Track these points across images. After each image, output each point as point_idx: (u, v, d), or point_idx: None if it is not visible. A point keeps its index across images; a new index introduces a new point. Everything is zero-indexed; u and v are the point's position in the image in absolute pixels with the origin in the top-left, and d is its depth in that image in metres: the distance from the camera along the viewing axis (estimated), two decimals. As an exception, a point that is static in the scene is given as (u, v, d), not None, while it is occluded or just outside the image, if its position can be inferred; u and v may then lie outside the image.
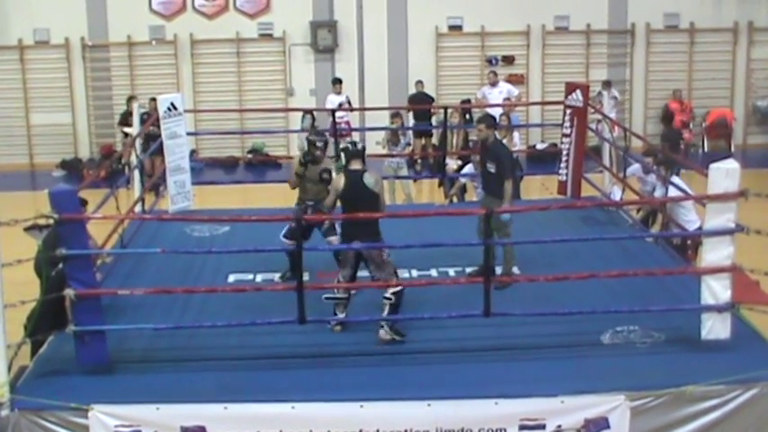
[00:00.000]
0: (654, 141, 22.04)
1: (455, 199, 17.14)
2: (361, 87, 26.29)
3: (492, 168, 11.90)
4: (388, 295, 10.36)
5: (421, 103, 23.99)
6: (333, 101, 23.29)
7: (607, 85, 24.50)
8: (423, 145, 24.27)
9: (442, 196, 18.85)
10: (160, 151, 15.41)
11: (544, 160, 22.65)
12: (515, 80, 25.86)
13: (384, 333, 10.33)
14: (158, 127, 14.60)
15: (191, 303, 11.17)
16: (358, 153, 10.82)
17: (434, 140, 23.66)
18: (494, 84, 24.22)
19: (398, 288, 10.40)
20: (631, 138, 15.75)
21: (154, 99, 18.98)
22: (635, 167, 14.89)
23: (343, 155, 11.03)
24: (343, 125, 22.42)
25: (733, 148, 26.04)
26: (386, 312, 10.36)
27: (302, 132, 19.74)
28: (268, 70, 26.56)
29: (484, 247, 9.94)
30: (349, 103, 23.78)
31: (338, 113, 22.15)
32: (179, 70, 26.35)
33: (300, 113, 21.89)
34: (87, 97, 26.51)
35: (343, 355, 10.15)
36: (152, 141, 16.18)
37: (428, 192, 21.91)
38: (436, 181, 20.06)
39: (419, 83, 25.13)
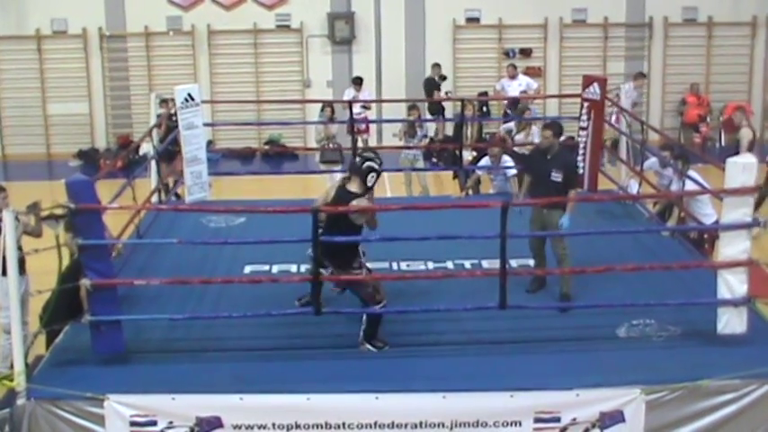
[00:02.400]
0: (672, 135, 21.99)
1: (470, 191, 17.14)
2: (379, 79, 26.27)
3: (558, 177, 11.32)
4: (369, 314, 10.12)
5: (431, 89, 24.04)
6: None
7: (641, 76, 24.14)
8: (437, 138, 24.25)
9: (458, 188, 18.84)
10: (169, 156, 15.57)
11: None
12: (533, 73, 25.77)
13: (363, 347, 10.11)
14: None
15: (207, 294, 11.20)
16: (361, 171, 10.18)
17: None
18: (513, 76, 24.16)
19: (381, 303, 10.11)
20: (648, 131, 15.69)
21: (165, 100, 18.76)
22: (652, 161, 14.85)
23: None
24: (360, 121, 22.36)
25: (750, 143, 25.92)
26: (364, 326, 10.10)
27: (320, 124, 19.79)
28: (285, 61, 26.54)
29: (500, 242, 9.92)
30: (365, 107, 23.61)
31: (357, 110, 22.14)
32: (196, 61, 26.36)
33: (317, 105, 21.89)
34: (104, 87, 26.54)
35: (358, 347, 10.16)
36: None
37: (444, 184, 21.88)
38: (451, 173, 20.00)
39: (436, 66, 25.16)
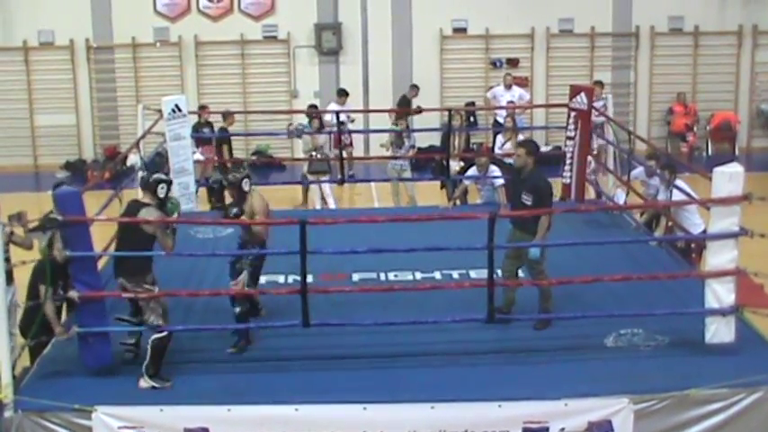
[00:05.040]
0: (659, 145, 22.02)
1: (458, 202, 17.14)
2: (366, 89, 26.26)
3: (528, 201, 10.88)
4: (150, 340, 9.84)
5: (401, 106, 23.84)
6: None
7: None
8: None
9: (445, 199, 18.84)
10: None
11: (548, 163, 22.58)
12: (519, 83, 25.79)
13: (143, 382, 9.70)
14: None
15: (194, 305, 11.18)
16: (149, 185, 10.19)
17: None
18: (509, 86, 24.26)
19: (162, 335, 9.84)
20: (635, 141, 15.71)
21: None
22: (638, 171, 14.89)
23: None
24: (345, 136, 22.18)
25: (737, 152, 25.97)
26: (147, 359, 9.73)
27: (307, 135, 19.77)
28: (272, 72, 26.51)
29: (487, 253, 9.93)
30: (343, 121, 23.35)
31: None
32: (183, 72, 26.32)
33: (304, 115, 21.84)
34: (92, 99, 26.47)
35: (346, 358, 10.16)
36: None
37: (431, 194, 21.86)
38: (438, 183, 19.98)
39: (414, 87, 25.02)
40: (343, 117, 21.28)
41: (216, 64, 26.43)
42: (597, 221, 14.53)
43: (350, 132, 22.64)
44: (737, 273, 10.00)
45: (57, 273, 9.98)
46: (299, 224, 9.67)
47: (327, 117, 20.40)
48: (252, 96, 26.28)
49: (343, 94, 23.58)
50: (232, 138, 21.56)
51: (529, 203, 10.88)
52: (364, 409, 9.24)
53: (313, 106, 22.67)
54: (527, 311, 10.95)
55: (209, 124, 20.62)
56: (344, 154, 20.52)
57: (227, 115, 20.80)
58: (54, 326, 10.06)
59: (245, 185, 10.89)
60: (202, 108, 20.34)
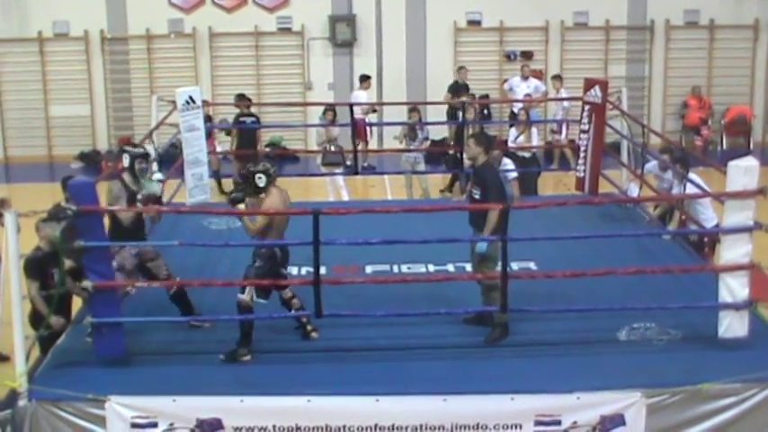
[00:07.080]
0: (673, 138, 21.96)
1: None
2: (379, 82, 26.25)
3: (477, 194, 10.59)
4: None
5: (459, 93, 23.53)
6: (359, 98, 23.03)
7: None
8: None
9: (459, 191, 18.85)
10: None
11: (562, 156, 22.70)
12: (534, 76, 25.78)
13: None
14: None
15: (207, 296, 11.19)
16: None
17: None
18: (526, 77, 24.32)
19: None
20: (649, 134, 15.67)
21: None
22: (652, 164, 14.85)
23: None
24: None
25: (752, 146, 25.91)
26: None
27: (321, 127, 19.79)
28: (286, 64, 26.52)
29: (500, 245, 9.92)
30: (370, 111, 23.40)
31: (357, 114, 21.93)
32: (197, 63, 26.35)
33: (318, 107, 21.83)
34: (106, 90, 26.52)
35: (358, 350, 10.17)
36: None
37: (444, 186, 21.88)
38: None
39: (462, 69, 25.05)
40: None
41: (230, 56, 26.47)
42: (611, 215, 14.51)
43: (364, 125, 22.62)
44: (751, 267, 9.97)
45: (45, 264, 10.19)
46: (312, 214, 9.66)
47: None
48: (266, 88, 26.29)
49: (365, 79, 23.51)
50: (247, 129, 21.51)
51: (477, 197, 10.60)
52: (376, 400, 9.25)
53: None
54: (539, 302, 10.89)
55: (209, 118, 20.63)
56: (361, 146, 20.53)
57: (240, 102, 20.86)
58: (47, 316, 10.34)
59: (260, 181, 10.29)
60: (203, 102, 20.23)
